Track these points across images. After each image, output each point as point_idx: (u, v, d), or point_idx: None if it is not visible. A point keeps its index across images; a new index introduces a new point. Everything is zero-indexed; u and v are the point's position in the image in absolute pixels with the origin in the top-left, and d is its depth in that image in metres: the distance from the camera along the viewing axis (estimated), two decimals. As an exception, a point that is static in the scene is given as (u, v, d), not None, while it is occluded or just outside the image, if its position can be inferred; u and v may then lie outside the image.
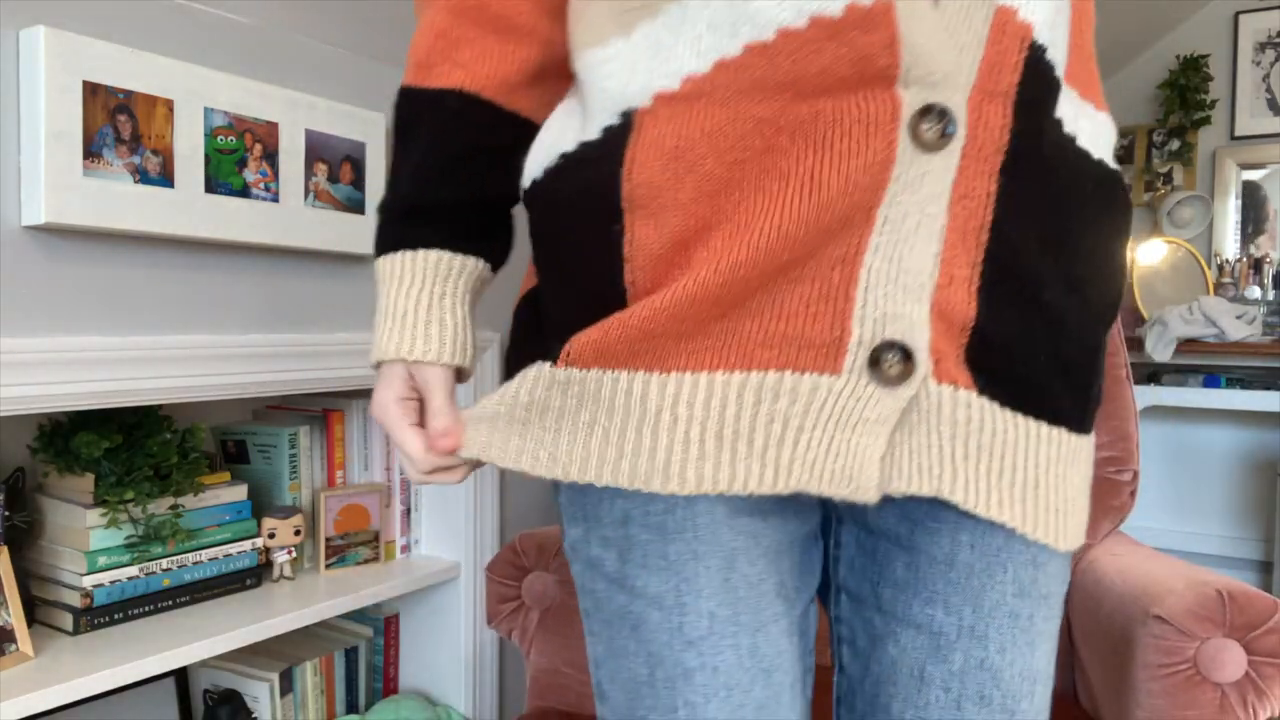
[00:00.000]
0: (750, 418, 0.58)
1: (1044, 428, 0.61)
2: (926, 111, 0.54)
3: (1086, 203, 0.61)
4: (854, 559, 0.71)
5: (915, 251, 0.56)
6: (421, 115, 0.68)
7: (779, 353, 0.58)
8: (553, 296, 0.64)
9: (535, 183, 0.64)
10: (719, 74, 0.57)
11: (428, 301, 0.67)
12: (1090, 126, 0.62)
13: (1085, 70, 0.64)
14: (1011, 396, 0.60)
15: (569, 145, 0.62)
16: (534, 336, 0.66)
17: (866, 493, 0.58)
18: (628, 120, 0.59)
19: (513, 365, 0.67)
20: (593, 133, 0.60)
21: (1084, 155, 0.61)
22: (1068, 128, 0.60)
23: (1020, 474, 0.61)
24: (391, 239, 0.67)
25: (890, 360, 0.57)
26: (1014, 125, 0.56)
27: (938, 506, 0.64)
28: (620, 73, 0.59)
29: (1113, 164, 0.65)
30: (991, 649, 0.63)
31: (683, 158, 0.58)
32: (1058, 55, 0.58)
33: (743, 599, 0.62)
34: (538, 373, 0.62)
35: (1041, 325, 0.59)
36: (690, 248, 0.59)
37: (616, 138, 0.59)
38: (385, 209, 0.68)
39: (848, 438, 0.58)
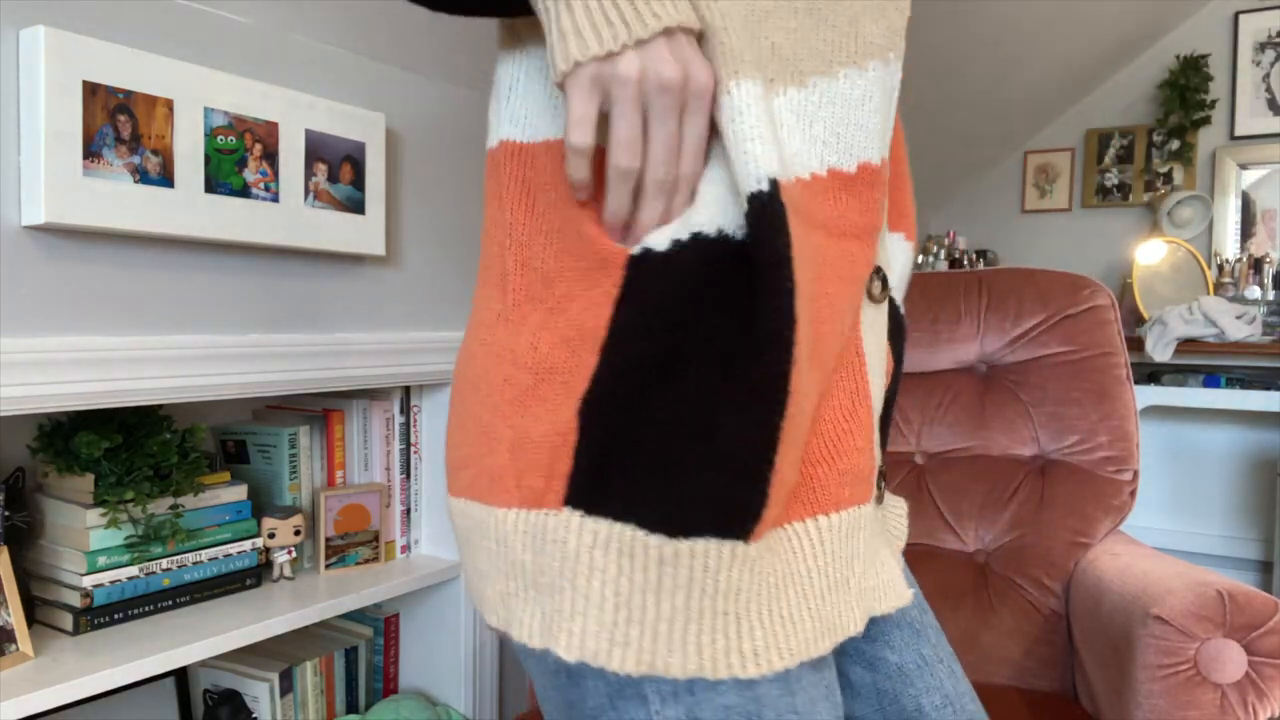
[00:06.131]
0: (845, 558, 0.59)
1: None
2: (877, 270, 0.63)
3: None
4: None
5: (879, 385, 0.64)
6: None
7: (851, 489, 0.60)
8: None
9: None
10: (829, 180, 0.58)
11: None
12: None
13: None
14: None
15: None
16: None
17: (907, 596, 0.66)
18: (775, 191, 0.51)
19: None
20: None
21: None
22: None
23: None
24: None
25: (881, 482, 0.67)
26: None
27: None
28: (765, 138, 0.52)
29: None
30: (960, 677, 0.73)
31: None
32: None
33: None
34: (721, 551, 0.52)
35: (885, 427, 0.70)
36: None
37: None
38: None
39: (885, 555, 0.66)
